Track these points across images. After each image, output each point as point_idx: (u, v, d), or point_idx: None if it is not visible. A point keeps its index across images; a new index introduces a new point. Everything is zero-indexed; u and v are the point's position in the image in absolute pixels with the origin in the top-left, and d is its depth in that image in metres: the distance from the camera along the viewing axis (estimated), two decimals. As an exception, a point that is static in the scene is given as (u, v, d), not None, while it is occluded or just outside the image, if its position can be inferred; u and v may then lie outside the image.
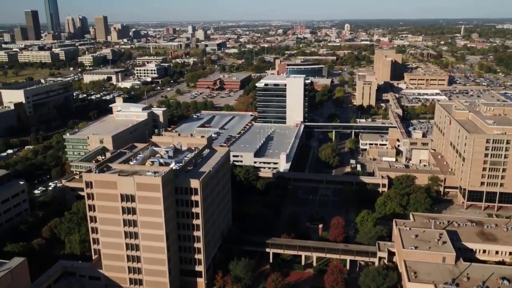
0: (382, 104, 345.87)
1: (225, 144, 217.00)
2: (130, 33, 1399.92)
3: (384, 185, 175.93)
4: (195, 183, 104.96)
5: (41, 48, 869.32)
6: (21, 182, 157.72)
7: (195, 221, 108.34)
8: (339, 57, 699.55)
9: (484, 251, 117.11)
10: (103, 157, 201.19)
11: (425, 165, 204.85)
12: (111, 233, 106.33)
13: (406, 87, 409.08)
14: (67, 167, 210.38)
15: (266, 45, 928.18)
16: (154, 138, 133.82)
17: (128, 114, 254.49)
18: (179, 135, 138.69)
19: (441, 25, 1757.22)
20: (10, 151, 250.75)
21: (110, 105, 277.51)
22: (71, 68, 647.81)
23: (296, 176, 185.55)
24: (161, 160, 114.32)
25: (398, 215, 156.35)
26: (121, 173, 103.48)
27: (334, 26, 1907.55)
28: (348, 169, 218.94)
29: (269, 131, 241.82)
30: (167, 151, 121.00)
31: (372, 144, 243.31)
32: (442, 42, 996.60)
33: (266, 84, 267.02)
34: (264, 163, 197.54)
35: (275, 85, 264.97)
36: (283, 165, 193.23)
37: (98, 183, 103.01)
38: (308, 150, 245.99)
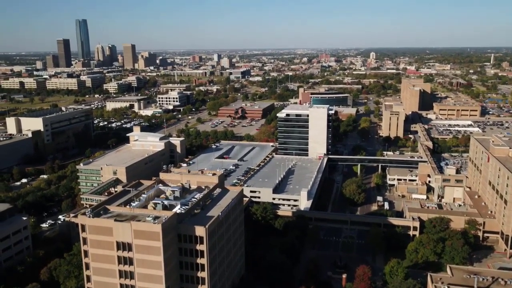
0: (411, 136, 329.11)
1: (243, 178, 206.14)
2: (157, 61, 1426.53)
3: (415, 228, 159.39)
4: (200, 231, 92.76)
5: (70, 75, 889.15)
6: (24, 218, 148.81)
7: (200, 274, 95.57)
8: (365, 85, 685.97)
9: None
10: (115, 190, 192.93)
11: (460, 205, 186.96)
12: (105, 285, 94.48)
13: (436, 118, 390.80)
14: (78, 199, 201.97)
15: (290, 73, 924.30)
16: (162, 175, 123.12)
17: (145, 143, 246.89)
18: (188, 171, 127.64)
19: (469, 54, 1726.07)
20: (24, 180, 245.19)
21: (127, 134, 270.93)
22: (97, 95, 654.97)
23: (318, 216, 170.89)
24: (166, 202, 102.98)
25: (432, 263, 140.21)
26: (118, 218, 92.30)
27: (359, 54, 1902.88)
28: (374, 206, 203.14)
29: (290, 164, 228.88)
30: (173, 191, 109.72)
31: (400, 179, 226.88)
32: (471, 71, 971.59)
33: (287, 115, 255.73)
34: (284, 200, 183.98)
35: (297, 115, 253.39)
36: (304, 203, 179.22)
37: (92, 229, 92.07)
38: (331, 184, 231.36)
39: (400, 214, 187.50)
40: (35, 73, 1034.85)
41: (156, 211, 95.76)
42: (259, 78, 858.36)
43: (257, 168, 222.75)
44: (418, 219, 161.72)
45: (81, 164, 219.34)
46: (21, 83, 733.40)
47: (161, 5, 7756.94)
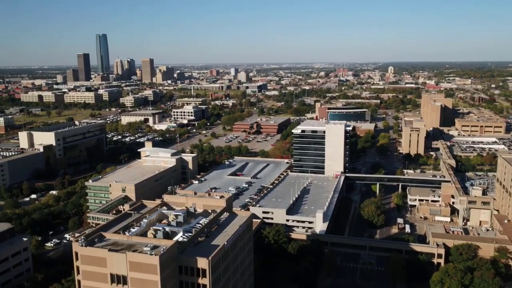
0: (432, 153, 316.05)
1: (255, 197, 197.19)
2: (175, 75, 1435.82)
3: (440, 256, 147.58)
4: (202, 263, 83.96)
5: (88, 89, 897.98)
6: (25, 239, 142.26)
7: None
8: (383, 100, 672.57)
9: None
10: (123, 208, 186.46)
11: (487, 229, 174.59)
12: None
13: (458, 134, 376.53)
14: (85, 217, 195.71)
15: (307, 88, 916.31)
16: (166, 197, 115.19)
17: (156, 159, 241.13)
18: (195, 193, 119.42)
19: (490, 68, 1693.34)
20: (33, 196, 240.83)
21: (138, 150, 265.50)
22: (114, 109, 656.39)
23: (334, 240, 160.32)
24: (167, 229, 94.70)
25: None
26: (113, 247, 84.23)
27: (377, 68, 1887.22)
28: (395, 229, 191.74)
29: (305, 182, 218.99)
30: (176, 216, 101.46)
31: (422, 200, 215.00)
32: (493, 86, 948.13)
33: (303, 131, 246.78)
34: (298, 221, 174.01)
35: (313, 131, 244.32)
36: (320, 225, 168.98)
37: (85, 258, 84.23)
38: (348, 205, 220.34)
39: (422, 238, 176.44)
40: (55, 86, 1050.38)
41: (155, 240, 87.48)
42: (276, 92, 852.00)
43: (271, 186, 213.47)
44: (442, 246, 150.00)
45: (90, 181, 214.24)
46: (40, 97, 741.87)
47: (180, 20, 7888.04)
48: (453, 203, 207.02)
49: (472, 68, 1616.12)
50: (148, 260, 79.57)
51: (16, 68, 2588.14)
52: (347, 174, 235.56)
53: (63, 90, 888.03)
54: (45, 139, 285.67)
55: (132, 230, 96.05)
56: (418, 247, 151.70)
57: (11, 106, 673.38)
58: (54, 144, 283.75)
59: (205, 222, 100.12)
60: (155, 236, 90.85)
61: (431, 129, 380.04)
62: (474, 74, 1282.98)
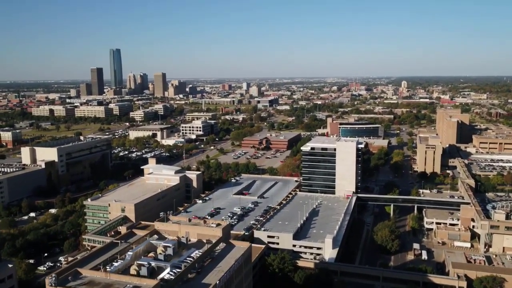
0: (449, 171, 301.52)
1: (261, 218, 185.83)
2: (187, 89, 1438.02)
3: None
4: (189, 308, 73.00)
5: (100, 103, 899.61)
6: (10, 265, 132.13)
7: None
8: (397, 115, 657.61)
9: None
10: (121, 229, 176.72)
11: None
12: None
13: (476, 152, 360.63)
14: (81, 239, 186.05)
15: (319, 102, 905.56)
16: (157, 225, 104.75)
17: (159, 177, 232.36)
18: (189, 220, 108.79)
19: (506, 82, 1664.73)
20: (32, 214, 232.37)
21: (141, 167, 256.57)
22: (125, 123, 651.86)
23: (345, 269, 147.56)
24: (153, 264, 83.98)
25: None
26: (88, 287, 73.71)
27: (391, 83, 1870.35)
28: (410, 255, 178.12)
29: (315, 203, 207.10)
30: (165, 248, 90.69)
31: (439, 223, 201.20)
32: (510, 101, 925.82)
33: (312, 148, 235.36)
34: (305, 247, 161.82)
35: (322, 149, 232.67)
36: (329, 252, 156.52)
37: (55, 300, 73.73)
38: (360, 227, 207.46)
39: (440, 266, 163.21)
40: (68, 100, 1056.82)
41: (137, 279, 76.75)
42: (287, 107, 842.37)
43: (278, 207, 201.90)
44: (464, 278, 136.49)
45: (89, 200, 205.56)
46: (51, 111, 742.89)
47: (194, 35, 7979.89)
48: (473, 227, 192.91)
49: (487, 83, 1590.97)
50: (125, 305, 68.96)
51: (32, 82, 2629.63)
52: (359, 195, 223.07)
53: (75, 104, 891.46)
54: (47, 154, 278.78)
55: (115, 264, 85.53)
56: (437, 279, 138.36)
57: (22, 120, 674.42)
58: (56, 160, 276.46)
59: (198, 255, 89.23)
60: (138, 273, 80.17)
61: (447, 146, 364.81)
62: (489, 89, 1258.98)
